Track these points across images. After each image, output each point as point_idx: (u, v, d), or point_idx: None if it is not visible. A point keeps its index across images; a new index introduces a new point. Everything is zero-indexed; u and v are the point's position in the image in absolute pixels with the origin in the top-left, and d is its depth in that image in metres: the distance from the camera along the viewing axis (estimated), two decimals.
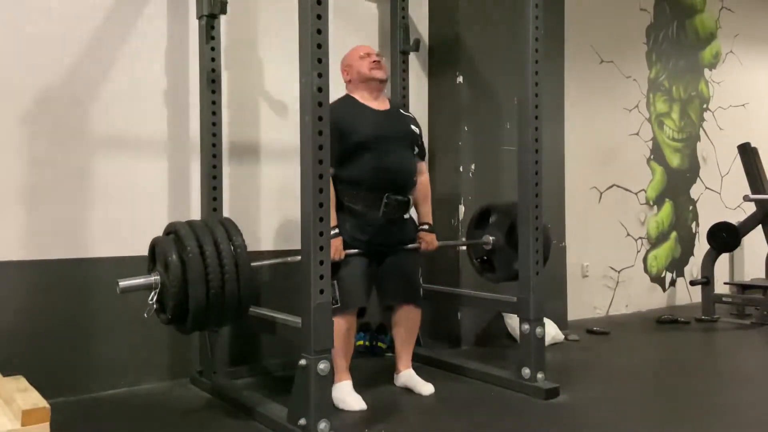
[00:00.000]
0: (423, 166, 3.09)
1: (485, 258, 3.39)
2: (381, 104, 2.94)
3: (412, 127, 2.99)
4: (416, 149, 3.00)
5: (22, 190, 2.78)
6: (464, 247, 3.83)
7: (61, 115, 2.87)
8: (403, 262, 2.94)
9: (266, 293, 3.19)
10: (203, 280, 2.23)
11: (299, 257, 2.35)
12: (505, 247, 3.24)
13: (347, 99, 2.91)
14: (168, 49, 3.16)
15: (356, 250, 2.78)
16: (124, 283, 2.27)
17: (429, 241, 3.04)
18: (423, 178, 3.08)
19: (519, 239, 3.00)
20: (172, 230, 2.39)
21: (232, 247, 2.31)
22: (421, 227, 3.07)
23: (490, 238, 3.31)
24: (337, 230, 2.68)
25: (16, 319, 2.76)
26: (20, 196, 2.78)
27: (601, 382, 3.22)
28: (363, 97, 2.90)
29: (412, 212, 3.12)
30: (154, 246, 2.38)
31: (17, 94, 2.77)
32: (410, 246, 2.97)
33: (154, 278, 2.31)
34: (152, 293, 2.29)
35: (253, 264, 2.41)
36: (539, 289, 2.94)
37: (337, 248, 2.65)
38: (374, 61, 2.88)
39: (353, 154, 2.75)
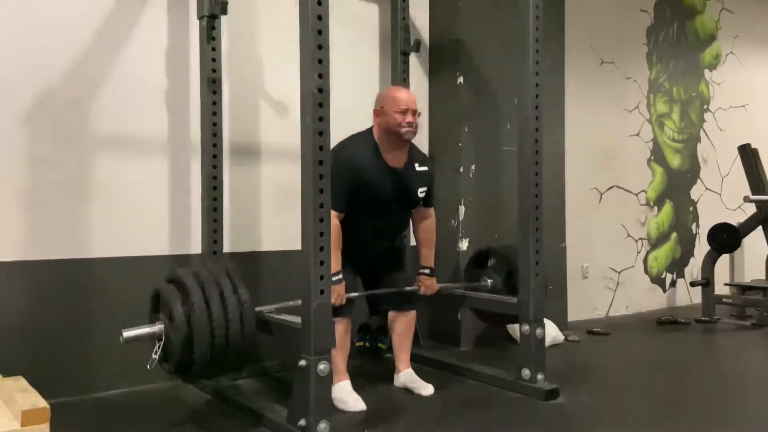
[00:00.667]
0: (430, 212, 3.10)
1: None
2: (399, 158, 2.88)
3: (419, 190, 2.95)
4: (420, 202, 3.01)
5: (23, 191, 2.78)
6: (465, 245, 3.84)
7: (61, 115, 2.87)
8: (391, 274, 3.03)
9: (266, 292, 3.19)
10: (209, 336, 2.26)
11: (299, 301, 2.35)
12: (503, 291, 3.31)
13: (369, 143, 2.85)
14: (168, 50, 3.16)
15: (356, 294, 2.87)
16: (128, 333, 2.29)
17: (428, 285, 3.10)
18: (428, 223, 3.10)
19: (519, 239, 2.99)
20: (176, 279, 2.38)
21: (238, 302, 2.33)
22: (421, 271, 3.11)
23: (489, 280, 3.40)
24: (341, 276, 2.69)
25: (16, 319, 2.75)
26: (20, 196, 2.78)
27: (601, 383, 3.22)
28: (384, 148, 2.84)
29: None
30: (158, 295, 2.38)
31: (18, 95, 2.77)
32: (408, 289, 3.04)
33: (158, 328, 2.32)
34: (157, 346, 2.31)
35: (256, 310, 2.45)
36: (539, 290, 2.94)
37: (339, 294, 2.67)
38: (409, 122, 2.78)
39: (357, 210, 2.78)
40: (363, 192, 2.76)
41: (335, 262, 2.52)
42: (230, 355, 2.32)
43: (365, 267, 3.01)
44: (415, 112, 2.82)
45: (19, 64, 2.78)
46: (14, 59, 2.77)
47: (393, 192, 2.85)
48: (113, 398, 2.89)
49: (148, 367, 2.32)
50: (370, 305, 3.17)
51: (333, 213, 2.59)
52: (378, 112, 2.85)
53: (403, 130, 2.78)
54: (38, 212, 2.81)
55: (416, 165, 2.93)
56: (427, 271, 3.10)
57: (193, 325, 2.24)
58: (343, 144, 2.84)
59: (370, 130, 2.90)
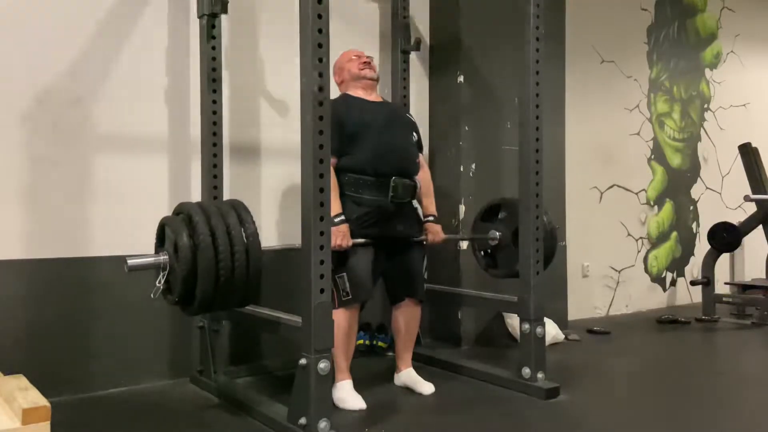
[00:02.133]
0: (422, 160, 3.12)
1: (489, 252, 3.39)
2: (376, 98, 3.00)
3: (409, 116, 3.11)
4: (415, 136, 3.05)
5: (23, 189, 2.78)
6: (464, 245, 3.83)
7: (61, 114, 2.87)
8: (409, 256, 2.97)
9: (266, 292, 3.19)
10: (214, 268, 2.20)
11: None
12: (510, 245, 3.24)
13: (343, 95, 2.97)
14: (169, 48, 3.16)
15: (363, 240, 2.76)
16: (132, 261, 2.24)
17: (435, 232, 3.06)
18: (424, 172, 3.12)
19: (520, 239, 3.00)
20: (183, 211, 2.33)
21: (244, 235, 2.26)
22: (426, 219, 3.10)
23: (497, 233, 3.30)
24: (342, 216, 2.68)
25: (16, 317, 2.76)
26: (20, 194, 2.78)
27: (601, 382, 3.22)
28: (357, 93, 2.96)
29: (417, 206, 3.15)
30: (163, 226, 2.33)
31: (18, 93, 2.77)
32: (416, 239, 2.99)
33: (162, 258, 2.27)
34: (161, 275, 2.26)
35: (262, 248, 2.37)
36: (539, 288, 2.94)
37: (344, 235, 2.65)
38: (364, 62, 2.96)
39: (355, 138, 2.77)
40: (353, 122, 2.78)
41: (335, 206, 2.52)
42: (235, 287, 2.26)
43: (385, 235, 2.84)
44: (368, 56, 2.99)
45: (19, 62, 2.78)
46: (14, 58, 2.77)
47: (384, 115, 2.91)
48: (114, 396, 2.89)
49: (151, 296, 2.27)
50: (388, 291, 3.03)
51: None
52: (337, 73, 3.01)
53: (363, 70, 2.94)
54: (38, 211, 2.81)
55: (396, 106, 3.12)
56: (431, 218, 3.10)
57: (198, 257, 2.18)
58: None
59: (341, 93, 3.00)
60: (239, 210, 2.34)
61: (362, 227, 2.77)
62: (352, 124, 2.77)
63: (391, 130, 2.89)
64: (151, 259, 2.28)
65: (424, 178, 3.10)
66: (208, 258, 2.19)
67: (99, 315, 2.93)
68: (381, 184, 2.79)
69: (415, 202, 3.06)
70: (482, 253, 3.44)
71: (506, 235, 3.27)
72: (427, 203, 3.13)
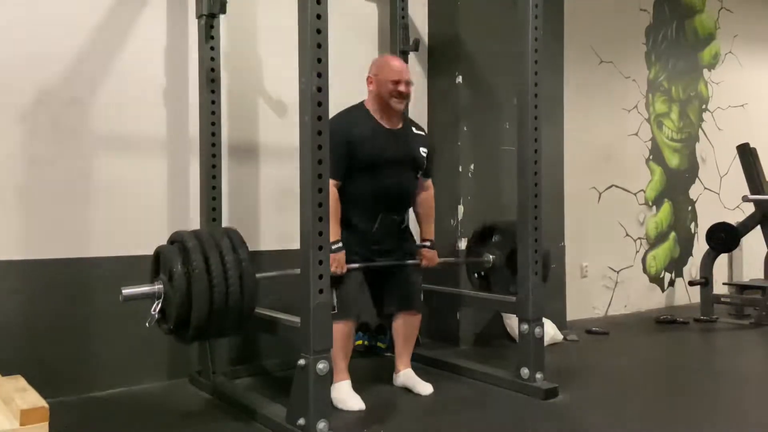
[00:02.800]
0: (429, 183, 3.08)
1: (483, 275, 3.40)
2: (394, 122, 2.89)
3: (421, 149, 2.95)
4: (420, 170, 2.97)
5: (21, 190, 2.78)
6: (463, 245, 3.83)
7: (60, 114, 2.87)
8: (402, 272, 2.97)
9: (264, 292, 3.19)
10: (207, 294, 2.24)
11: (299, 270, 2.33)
12: (504, 268, 3.25)
13: (362, 110, 2.87)
14: (167, 49, 3.15)
15: (357, 265, 2.80)
16: (127, 290, 2.27)
17: (429, 257, 3.06)
18: (427, 194, 3.07)
19: (518, 239, 3.00)
20: (177, 239, 2.38)
21: (237, 260, 2.31)
22: (422, 243, 3.09)
23: (491, 256, 3.31)
24: (340, 244, 2.68)
25: (14, 318, 2.75)
26: (19, 195, 2.77)
27: (599, 383, 3.22)
28: (377, 113, 2.85)
29: (413, 224, 3.16)
30: (158, 255, 2.37)
31: (16, 93, 2.77)
32: (410, 262, 2.99)
33: (157, 287, 2.30)
34: (155, 304, 2.29)
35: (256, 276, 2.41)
36: (538, 289, 2.94)
37: (339, 262, 2.66)
38: (401, 92, 2.79)
39: (360, 170, 2.76)
40: (360, 152, 2.74)
41: (334, 232, 2.52)
42: (229, 314, 2.29)
43: (374, 258, 2.88)
44: (408, 83, 2.83)
45: (17, 62, 2.77)
46: (13, 57, 2.76)
47: (392, 151, 2.83)
48: (112, 397, 2.89)
49: (146, 325, 2.29)
50: (377, 307, 3.05)
51: (331, 181, 2.55)
52: (371, 79, 2.84)
53: (394, 101, 2.80)
54: (37, 211, 2.81)
55: (413, 128, 2.96)
56: (427, 244, 3.07)
57: (192, 284, 2.22)
58: (336, 115, 2.80)
59: (362, 102, 2.90)
60: (233, 238, 2.38)
61: (354, 252, 2.78)
62: (360, 154, 2.74)
63: (398, 168, 2.85)
64: (146, 289, 2.31)
65: (426, 200, 3.07)
66: (202, 288, 2.23)
67: (97, 315, 2.93)
68: (371, 216, 2.82)
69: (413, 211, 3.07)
70: (476, 275, 3.45)
71: (500, 258, 3.28)
72: (426, 229, 3.10)
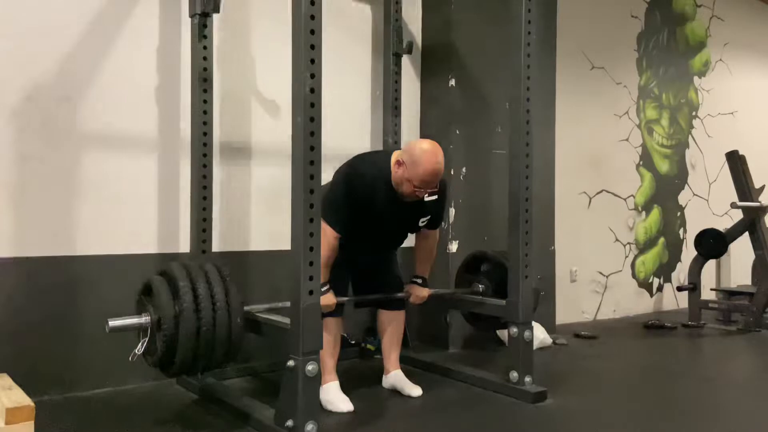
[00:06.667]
0: (434, 233, 3.00)
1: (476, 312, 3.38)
2: (408, 201, 2.78)
3: (422, 219, 2.87)
4: (419, 230, 2.95)
5: (10, 187, 2.75)
6: (454, 247, 3.84)
7: (50, 112, 2.85)
8: (381, 267, 3.01)
9: (255, 292, 3.18)
10: (194, 339, 2.24)
11: (288, 303, 2.33)
12: (493, 298, 3.24)
13: (384, 176, 2.72)
14: (160, 48, 3.14)
15: (345, 298, 2.86)
16: (114, 323, 2.24)
17: (418, 295, 3.03)
18: (429, 242, 3.01)
19: (508, 242, 3.00)
20: (166, 272, 2.36)
21: (227, 301, 2.31)
22: (414, 279, 3.05)
23: (480, 286, 3.33)
24: (328, 286, 2.68)
25: (1, 316, 2.72)
26: (8, 193, 2.75)
27: (588, 386, 3.23)
28: (400, 190, 2.72)
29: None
30: (148, 287, 2.36)
31: (6, 91, 2.75)
32: (399, 295, 3.02)
33: (144, 320, 2.29)
34: (142, 340, 2.28)
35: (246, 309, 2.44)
36: (528, 293, 2.95)
37: (327, 304, 2.62)
38: (419, 195, 2.69)
39: (361, 223, 2.75)
40: (366, 216, 2.75)
41: (324, 275, 2.55)
42: (214, 356, 2.31)
43: (356, 269, 2.99)
44: (431, 191, 2.70)
45: (7, 59, 2.75)
46: (3, 55, 2.74)
47: (396, 220, 2.85)
48: (99, 397, 2.87)
49: (130, 359, 2.29)
50: (357, 293, 3.04)
51: (331, 232, 2.62)
52: (401, 163, 2.67)
53: (409, 198, 2.72)
54: (25, 209, 2.79)
55: (426, 195, 2.74)
56: (419, 280, 3.05)
57: (179, 327, 2.22)
58: (360, 161, 2.81)
59: (389, 166, 2.72)
60: (223, 273, 2.38)
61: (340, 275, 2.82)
62: (366, 215, 2.74)
63: (397, 224, 2.89)
64: (133, 321, 2.30)
65: (427, 247, 3.01)
66: (190, 323, 2.22)
67: (85, 314, 2.90)
68: (351, 257, 2.85)
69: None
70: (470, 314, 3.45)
71: (489, 288, 3.30)
72: (421, 268, 3.05)
